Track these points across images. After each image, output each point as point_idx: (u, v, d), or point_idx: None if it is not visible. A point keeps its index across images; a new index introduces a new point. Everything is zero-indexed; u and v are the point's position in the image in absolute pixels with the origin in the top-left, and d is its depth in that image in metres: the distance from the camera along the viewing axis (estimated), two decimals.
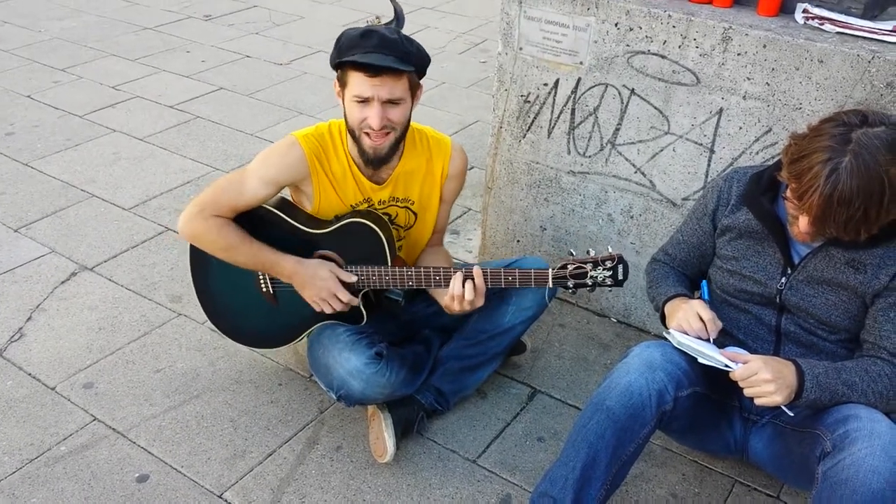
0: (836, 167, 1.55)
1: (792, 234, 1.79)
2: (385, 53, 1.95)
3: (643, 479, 2.22)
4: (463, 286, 2.05)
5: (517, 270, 2.05)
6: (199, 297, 2.41)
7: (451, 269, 2.09)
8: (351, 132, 2.09)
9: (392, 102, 2.01)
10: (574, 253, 2.04)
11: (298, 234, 2.17)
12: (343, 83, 2.04)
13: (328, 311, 2.17)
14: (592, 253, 2.02)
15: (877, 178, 1.53)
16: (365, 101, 1.99)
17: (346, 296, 2.15)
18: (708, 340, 1.83)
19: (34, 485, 2.16)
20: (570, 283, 2.03)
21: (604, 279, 2.01)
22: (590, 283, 2.02)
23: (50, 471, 2.20)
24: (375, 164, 2.12)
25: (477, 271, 2.05)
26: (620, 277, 2.01)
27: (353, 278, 2.15)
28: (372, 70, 1.95)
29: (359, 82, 1.97)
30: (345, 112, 2.08)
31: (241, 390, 2.50)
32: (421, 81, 2.11)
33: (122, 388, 2.50)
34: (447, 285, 2.09)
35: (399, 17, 2.13)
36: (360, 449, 2.30)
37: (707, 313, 1.85)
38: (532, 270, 2.04)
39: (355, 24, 2.04)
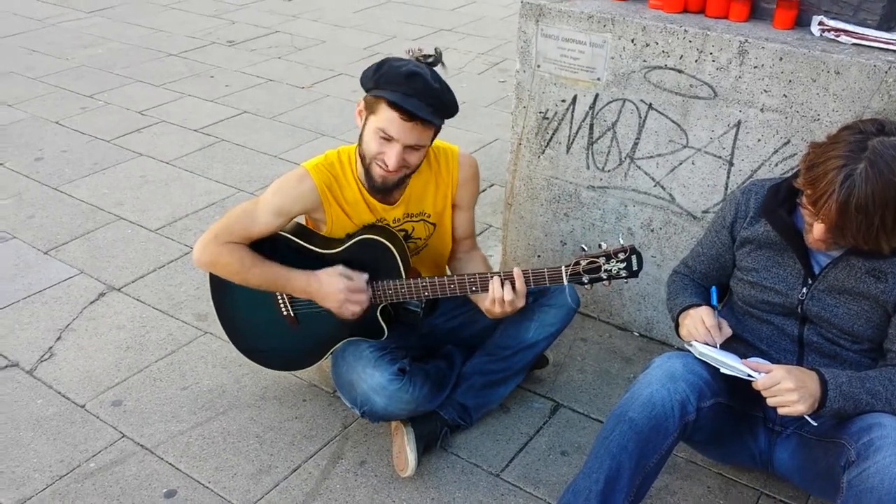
0: (851, 174, 1.56)
1: (807, 242, 1.79)
2: (426, 102, 1.96)
3: (668, 492, 2.22)
4: (502, 288, 2.06)
5: (530, 271, 2.05)
6: (224, 325, 2.44)
7: (466, 277, 2.10)
8: (362, 157, 2.10)
9: (413, 147, 2.03)
10: (586, 248, 2.04)
11: (312, 256, 2.20)
12: (371, 110, 2.03)
13: (353, 312, 2.17)
14: (604, 246, 2.01)
15: (892, 185, 1.54)
16: (389, 138, 2.01)
17: (362, 286, 2.16)
18: (715, 346, 1.83)
19: (64, 501, 2.19)
20: (585, 279, 2.02)
21: (618, 271, 2.00)
22: (605, 277, 2.01)
23: (80, 487, 2.24)
24: (382, 192, 2.15)
25: (517, 272, 2.05)
26: (635, 268, 2.00)
27: (364, 276, 2.16)
28: (408, 115, 1.96)
29: (389, 119, 1.97)
30: (362, 135, 2.08)
31: (266, 406, 2.53)
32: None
33: (149, 406, 2.54)
34: (462, 293, 2.12)
35: (438, 61, 2.09)
36: (385, 464, 2.31)
37: (710, 319, 1.86)
38: (545, 270, 2.04)
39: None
